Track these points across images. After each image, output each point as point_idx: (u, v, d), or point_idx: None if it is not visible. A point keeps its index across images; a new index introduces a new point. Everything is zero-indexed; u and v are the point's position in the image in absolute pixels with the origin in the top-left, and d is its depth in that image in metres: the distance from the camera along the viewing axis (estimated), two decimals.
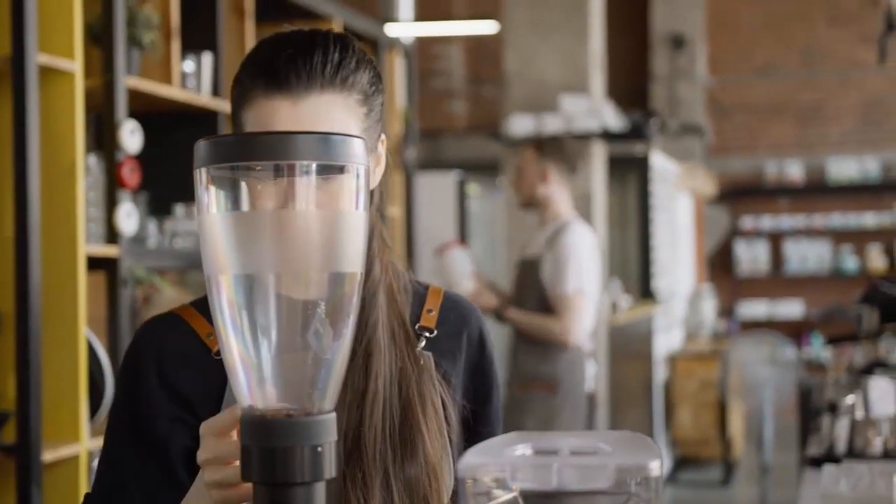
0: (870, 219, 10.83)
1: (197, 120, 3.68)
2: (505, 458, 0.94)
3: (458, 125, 11.26)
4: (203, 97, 3.63)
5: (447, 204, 7.74)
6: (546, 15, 6.19)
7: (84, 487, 2.94)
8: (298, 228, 0.95)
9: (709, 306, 9.43)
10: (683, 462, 7.91)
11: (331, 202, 0.97)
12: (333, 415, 0.95)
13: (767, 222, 11.08)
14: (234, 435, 1.07)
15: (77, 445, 2.93)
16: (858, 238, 10.94)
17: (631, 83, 10.76)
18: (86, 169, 3.05)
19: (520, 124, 6.04)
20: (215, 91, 3.72)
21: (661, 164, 8.17)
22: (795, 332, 10.68)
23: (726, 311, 10.89)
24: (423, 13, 8.54)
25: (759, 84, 11.13)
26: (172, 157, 3.12)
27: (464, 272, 4.38)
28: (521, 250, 4.57)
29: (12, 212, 2.82)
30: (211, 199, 0.95)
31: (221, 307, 0.95)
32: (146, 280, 3.27)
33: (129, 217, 3.17)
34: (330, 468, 0.94)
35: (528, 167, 4.37)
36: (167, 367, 1.36)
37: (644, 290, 7.81)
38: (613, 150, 6.93)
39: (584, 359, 4.32)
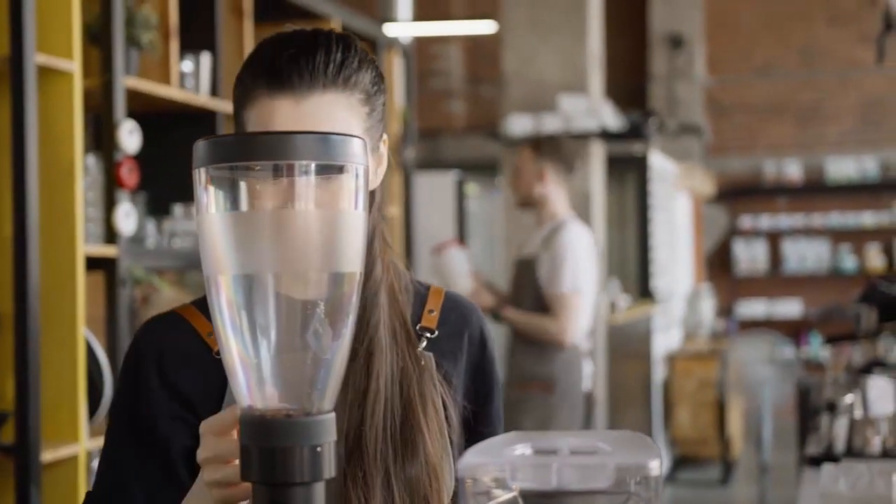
0: (868, 218, 10.84)
1: (195, 120, 3.68)
2: (504, 457, 0.94)
3: (456, 125, 11.26)
4: (201, 97, 3.63)
5: (446, 204, 7.74)
6: (545, 15, 6.19)
7: (83, 487, 2.94)
8: (298, 228, 0.95)
9: (707, 306, 9.44)
10: (682, 461, 7.91)
11: (330, 202, 0.96)
12: (333, 415, 0.95)
13: (766, 222, 11.09)
14: (234, 434, 1.07)
15: (76, 445, 2.93)
16: (857, 237, 10.94)
17: (630, 83, 10.76)
18: (84, 169, 3.05)
19: (518, 124, 6.04)
20: (214, 91, 3.72)
21: (659, 163, 8.17)
22: (794, 331, 10.68)
23: (725, 311, 10.89)
24: (421, 13, 8.53)
25: (758, 84, 11.13)
26: (171, 157, 3.12)
27: (461, 271, 4.38)
28: (519, 250, 4.57)
29: (11, 212, 2.82)
30: (210, 199, 0.95)
31: (220, 307, 0.95)
32: (145, 280, 3.27)
33: (127, 217, 3.17)
34: (329, 468, 0.94)
35: (525, 167, 4.38)
36: (168, 367, 1.35)
37: (643, 290, 7.82)
38: (612, 150, 6.93)
39: (581, 358, 4.32)
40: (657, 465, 0.92)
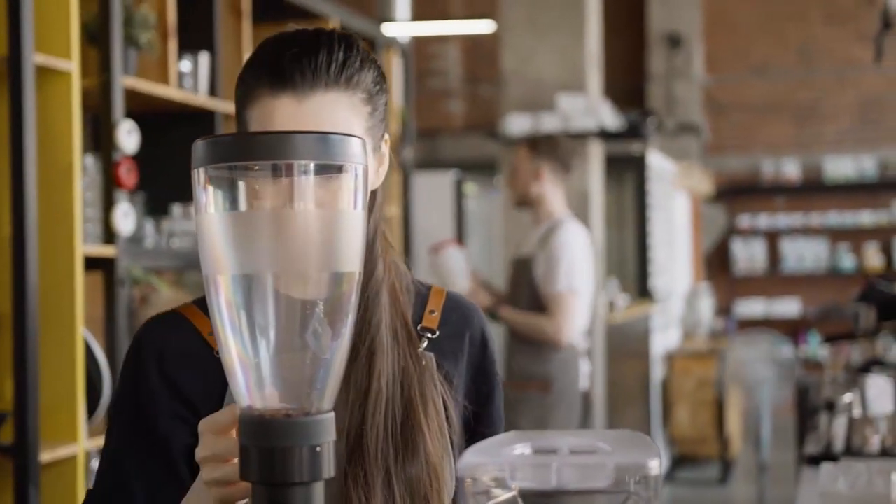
0: (866, 217, 10.84)
1: (194, 120, 3.68)
2: (504, 457, 0.94)
3: (455, 124, 11.26)
4: (200, 97, 3.63)
5: (444, 203, 7.74)
6: (543, 14, 6.19)
7: (82, 488, 2.94)
8: (297, 228, 0.95)
9: (706, 305, 9.44)
10: (681, 460, 7.91)
11: (329, 202, 0.96)
12: (332, 415, 0.95)
13: (764, 221, 11.09)
14: (233, 433, 1.07)
15: (75, 446, 2.93)
16: (855, 236, 10.95)
17: (628, 82, 10.77)
18: (83, 169, 3.05)
19: (517, 123, 6.04)
20: (212, 91, 3.72)
21: (658, 162, 8.17)
22: (793, 330, 10.68)
23: (723, 310, 10.90)
24: (419, 13, 8.53)
25: (756, 83, 11.13)
26: (169, 156, 3.12)
27: (459, 271, 4.38)
28: (516, 249, 4.57)
29: (9, 212, 2.82)
30: (209, 198, 0.95)
31: (220, 307, 0.95)
32: (143, 280, 3.27)
33: (126, 217, 3.17)
34: (329, 468, 0.94)
35: (522, 166, 4.37)
36: (169, 366, 1.35)
37: (641, 289, 7.82)
38: (610, 149, 6.93)
39: (578, 358, 4.31)
40: (657, 465, 0.92)
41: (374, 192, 1.37)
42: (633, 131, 6.70)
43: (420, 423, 1.35)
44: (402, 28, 6.98)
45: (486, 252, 8.19)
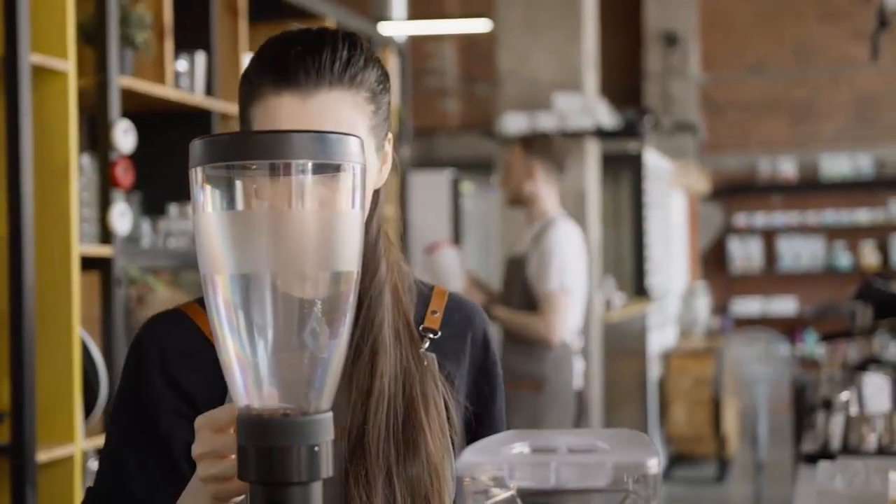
0: (863, 215, 10.85)
1: (190, 119, 3.67)
2: (503, 456, 0.94)
3: (451, 124, 11.26)
4: (196, 97, 3.63)
5: (441, 202, 7.74)
6: (539, 13, 6.19)
7: (79, 488, 2.93)
8: (294, 227, 0.95)
9: (702, 303, 9.45)
10: (678, 459, 7.92)
11: (327, 201, 0.96)
12: (330, 414, 0.95)
13: (761, 219, 11.10)
14: (231, 429, 1.07)
15: (71, 446, 2.92)
16: (852, 235, 10.95)
17: (624, 81, 10.77)
18: (79, 169, 3.05)
19: (513, 122, 6.04)
20: (209, 90, 3.72)
21: (654, 161, 8.18)
22: (789, 328, 10.69)
23: (720, 309, 10.90)
24: (416, 12, 8.53)
25: (752, 81, 11.14)
26: (166, 156, 3.12)
27: (453, 271, 4.38)
28: (510, 248, 4.56)
29: (6, 212, 2.81)
30: (206, 198, 0.94)
31: (217, 307, 0.95)
32: (140, 280, 3.27)
33: (122, 217, 3.17)
34: (327, 468, 0.94)
35: (516, 164, 4.37)
36: (170, 364, 1.35)
37: (638, 288, 7.82)
38: (607, 148, 6.93)
39: (572, 356, 4.31)
40: (655, 464, 0.92)
41: (376, 192, 1.37)
42: (630, 130, 6.70)
43: (421, 422, 1.35)
44: (398, 27, 6.98)
45: (482, 251, 8.20)
